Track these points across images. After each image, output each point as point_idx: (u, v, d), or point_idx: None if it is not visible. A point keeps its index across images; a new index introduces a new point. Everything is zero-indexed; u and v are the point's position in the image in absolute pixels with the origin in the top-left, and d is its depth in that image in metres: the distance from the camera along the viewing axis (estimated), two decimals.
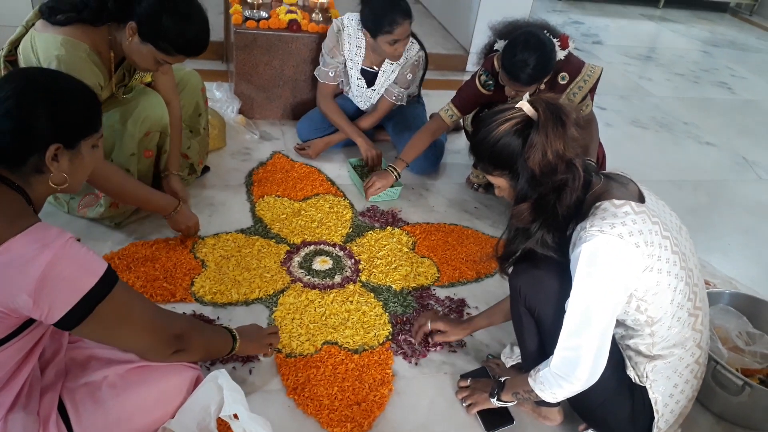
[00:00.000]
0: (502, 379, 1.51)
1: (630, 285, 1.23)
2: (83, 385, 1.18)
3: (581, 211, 1.27)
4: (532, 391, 1.36)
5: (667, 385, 1.33)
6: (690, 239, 1.36)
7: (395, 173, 2.36)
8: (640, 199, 1.30)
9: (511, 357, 1.69)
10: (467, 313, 1.92)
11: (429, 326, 1.73)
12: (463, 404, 1.59)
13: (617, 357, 1.35)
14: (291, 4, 2.98)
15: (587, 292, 1.23)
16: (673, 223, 1.31)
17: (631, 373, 1.36)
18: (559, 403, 1.55)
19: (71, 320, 1.02)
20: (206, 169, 2.43)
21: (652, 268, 1.23)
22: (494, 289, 2.04)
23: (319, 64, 2.64)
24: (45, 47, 1.62)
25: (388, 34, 2.33)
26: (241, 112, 2.84)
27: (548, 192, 1.26)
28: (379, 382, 1.62)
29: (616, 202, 1.24)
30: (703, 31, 6.13)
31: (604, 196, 1.27)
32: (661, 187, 2.89)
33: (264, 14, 2.82)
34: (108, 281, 1.06)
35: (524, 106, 1.26)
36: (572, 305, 1.25)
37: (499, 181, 1.34)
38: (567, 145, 1.23)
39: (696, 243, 2.49)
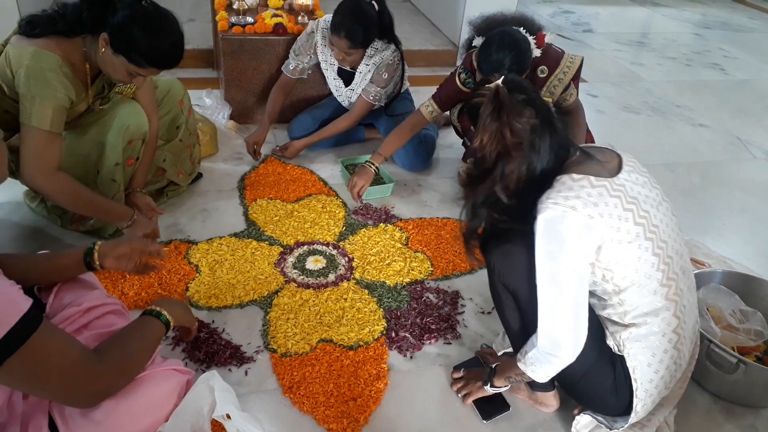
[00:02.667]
0: (493, 365, 1.53)
1: (589, 255, 1.26)
2: None
3: (547, 184, 1.30)
4: (524, 373, 1.38)
5: (644, 354, 1.34)
6: (671, 214, 1.37)
7: (373, 167, 2.35)
8: (614, 174, 1.31)
9: (503, 345, 1.70)
10: (461, 305, 1.93)
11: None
12: (459, 395, 1.60)
13: (596, 327, 1.37)
14: (276, 8, 3.00)
15: (547, 263, 1.26)
16: (649, 198, 1.32)
17: (610, 342, 1.38)
18: (554, 387, 1.56)
19: None
20: (199, 175, 2.45)
21: (612, 239, 1.25)
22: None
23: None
24: (16, 58, 1.63)
25: (332, 44, 2.45)
26: (232, 117, 2.86)
27: (493, 166, 1.30)
28: (375, 377, 1.63)
29: (575, 176, 1.27)
30: (695, 14, 6.12)
31: (568, 170, 1.30)
32: (654, 171, 2.85)
33: (250, 19, 2.84)
34: (28, 324, 0.95)
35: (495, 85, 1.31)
36: (539, 278, 1.28)
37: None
38: (517, 125, 1.26)
39: (691, 224, 2.49)
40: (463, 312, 1.90)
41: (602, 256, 1.26)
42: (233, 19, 2.82)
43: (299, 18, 2.90)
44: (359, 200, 2.35)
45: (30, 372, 0.98)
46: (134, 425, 1.20)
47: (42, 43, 1.64)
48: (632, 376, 1.35)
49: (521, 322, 1.44)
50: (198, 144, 2.39)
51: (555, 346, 1.29)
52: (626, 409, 1.40)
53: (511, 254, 1.39)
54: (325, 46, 2.60)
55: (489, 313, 1.91)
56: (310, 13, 2.97)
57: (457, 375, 1.64)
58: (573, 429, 1.50)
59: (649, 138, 3.29)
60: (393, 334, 1.78)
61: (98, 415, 1.15)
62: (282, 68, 2.71)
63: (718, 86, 4.19)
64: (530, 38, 2.07)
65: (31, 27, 1.65)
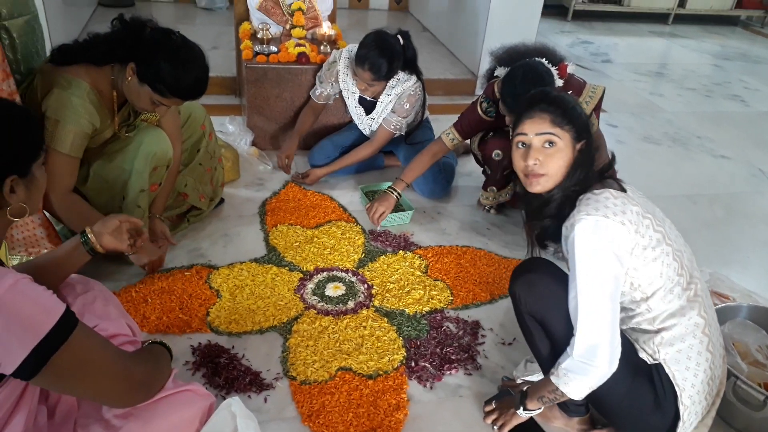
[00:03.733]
0: (525, 389, 1.51)
1: (624, 260, 1.31)
2: (96, 422, 1.17)
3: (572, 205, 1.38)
4: (557, 389, 1.37)
5: (680, 356, 1.36)
6: (676, 231, 1.45)
7: (395, 194, 2.37)
8: (623, 191, 1.40)
9: (524, 373, 1.69)
10: (482, 335, 1.91)
11: None
12: (494, 427, 1.58)
13: (627, 346, 1.37)
14: (300, 38, 3.06)
15: (589, 271, 1.30)
16: (657, 212, 1.41)
17: (643, 354, 1.39)
18: (588, 411, 1.55)
19: (26, 370, 0.94)
20: (221, 200, 2.48)
21: (638, 244, 1.32)
22: (508, 310, 2.03)
23: None
24: (46, 84, 1.68)
25: (355, 74, 2.52)
26: (254, 144, 2.91)
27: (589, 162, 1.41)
28: (394, 407, 1.62)
29: (596, 191, 1.36)
30: (714, 45, 6.13)
31: (588, 189, 1.39)
32: (676, 202, 2.87)
33: (274, 49, 2.89)
34: (66, 325, 0.98)
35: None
36: (580, 286, 1.31)
37: (561, 138, 1.38)
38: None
39: (714, 257, 2.46)
40: (483, 342, 1.89)
41: (632, 261, 1.32)
42: (257, 48, 2.88)
43: (322, 47, 2.96)
44: (378, 225, 2.36)
45: (73, 369, 1.00)
46: None
47: (71, 70, 1.69)
48: (674, 382, 1.35)
49: (551, 348, 1.44)
50: (221, 168, 2.42)
51: (592, 354, 1.30)
52: (671, 427, 1.38)
53: (536, 283, 1.43)
54: (347, 75, 2.64)
55: (510, 344, 1.89)
56: (333, 42, 3.03)
57: (489, 408, 1.62)
58: None
59: (669, 169, 3.27)
60: (413, 364, 1.77)
61: None
62: (310, 93, 2.78)
63: (739, 118, 4.17)
64: (552, 69, 2.09)
65: (62, 55, 1.71)
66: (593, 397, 1.39)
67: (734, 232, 2.69)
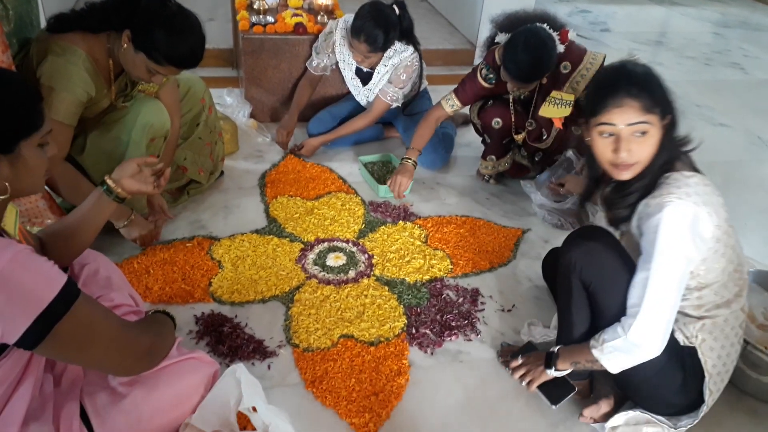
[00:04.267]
0: (555, 350, 1.52)
1: (701, 251, 1.29)
2: (102, 389, 1.19)
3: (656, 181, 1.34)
4: (596, 361, 1.38)
5: (715, 345, 1.37)
6: None
7: (411, 162, 2.37)
8: (698, 172, 1.36)
9: (529, 335, 1.73)
10: (481, 302, 1.94)
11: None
12: (522, 383, 1.59)
13: None
14: (296, 8, 3.03)
15: (671, 256, 1.27)
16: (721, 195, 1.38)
17: (679, 336, 1.39)
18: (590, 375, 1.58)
19: (29, 339, 0.95)
20: (221, 173, 2.48)
21: (714, 237, 1.30)
22: (507, 277, 2.05)
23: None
24: (41, 51, 1.67)
25: (352, 45, 2.49)
26: (252, 116, 2.89)
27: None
28: (396, 373, 1.64)
29: (686, 173, 1.31)
30: (714, 12, 6.06)
31: (671, 167, 1.33)
32: None
33: (270, 19, 2.86)
34: (68, 295, 0.99)
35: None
36: (654, 271, 1.28)
37: (652, 124, 1.30)
38: None
39: None
40: (483, 309, 1.91)
41: (703, 251, 1.30)
42: (254, 19, 2.85)
43: (319, 17, 2.92)
44: (403, 197, 2.36)
45: (76, 338, 1.01)
46: (162, 416, 1.23)
47: (67, 38, 1.68)
48: (704, 368, 1.37)
49: (590, 318, 1.44)
50: (221, 142, 2.41)
51: (647, 338, 1.30)
52: (687, 408, 1.42)
53: (597, 253, 1.39)
54: (343, 45, 2.62)
55: (509, 311, 1.91)
56: (330, 12, 2.99)
57: (516, 363, 1.62)
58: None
59: None
60: (413, 331, 1.79)
61: (128, 405, 1.18)
62: (306, 64, 2.76)
63: (739, 86, 4.14)
64: (554, 34, 2.08)
65: (58, 23, 1.69)
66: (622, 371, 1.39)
67: (733, 200, 2.69)
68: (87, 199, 1.35)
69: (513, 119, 2.37)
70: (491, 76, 2.27)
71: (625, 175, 1.34)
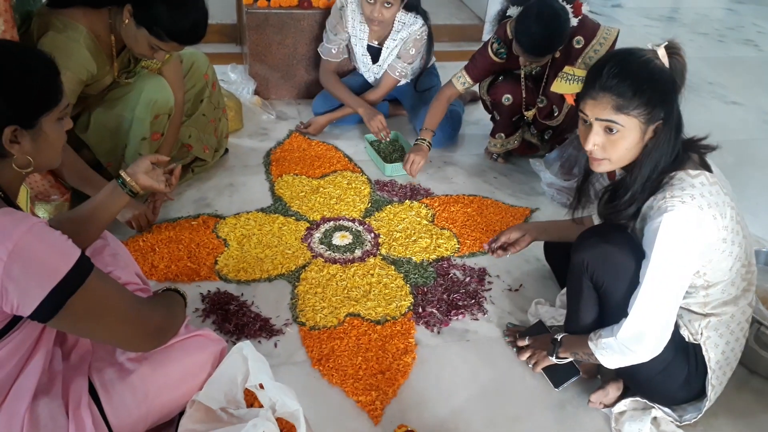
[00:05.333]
0: (558, 337, 1.51)
1: (704, 254, 1.26)
2: (111, 365, 1.19)
3: (660, 181, 1.28)
4: (593, 354, 1.38)
5: (720, 342, 1.35)
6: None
7: (425, 142, 2.34)
8: (706, 167, 1.30)
9: (536, 316, 1.72)
10: (488, 282, 1.92)
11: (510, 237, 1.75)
12: (528, 364, 1.60)
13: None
14: None
15: (667, 264, 1.23)
16: (730, 190, 1.32)
17: (684, 332, 1.37)
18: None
19: (44, 311, 0.96)
20: (225, 151, 2.45)
21: (720, 238, 1.26)
22: (515, 257, 2.03)
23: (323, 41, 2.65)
24: (42, 27, 1.64)
25: (368, 4, 2.36)
26: (256, 93, 2.86)
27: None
28: (403, 351, 1.64)
29: (691, 172, 1.25)
30: None
31: (678, 166, 1.27)
32: None
33: None
34: (83, 268, 0.99)
35: (660, 51, 1.26)
36: (650, 277, 1.24)
37: (624, 125, 1.25)
38: None
39: None
40: (490, 289, 1.90)
41: (709, 254, 1.26)
42: None
43: None
44: (416, 176, 2.34)
45: (90, 311, 1.02)
46: (170, 392, 1.23)
47: (68, 13, 1.65)
48: (708, 365, 1.35)
49: (597, 316, 1.42)
50: (225, 119, 2.38)
51: (637, 342, 1.28)
52: (689, 400, 1.42)
53: (614, 256, 1.33)
54: (355, 20, 2.55)
55: (516, 290, 1.90)
56: None
57: (522, 343, 1.63)
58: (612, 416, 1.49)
59: None
60: (420, 310, 1.78)
61: (135, 381, 1.18)
62: (320, 53, 2.66)
63: (752, 63, 4.07)
64: (567, 7, 2.03)
65: None
66: (625, 366, 1.37)
67: (744, 179, 2.66)
68: (101, 191, 1.36)
69: (524, 95, 2.33)
70: (503, 50, 2.22)
71: (599, 168, 1.33)
